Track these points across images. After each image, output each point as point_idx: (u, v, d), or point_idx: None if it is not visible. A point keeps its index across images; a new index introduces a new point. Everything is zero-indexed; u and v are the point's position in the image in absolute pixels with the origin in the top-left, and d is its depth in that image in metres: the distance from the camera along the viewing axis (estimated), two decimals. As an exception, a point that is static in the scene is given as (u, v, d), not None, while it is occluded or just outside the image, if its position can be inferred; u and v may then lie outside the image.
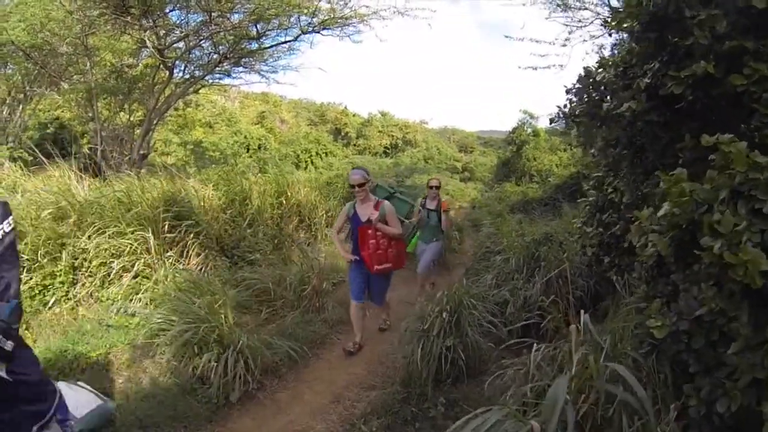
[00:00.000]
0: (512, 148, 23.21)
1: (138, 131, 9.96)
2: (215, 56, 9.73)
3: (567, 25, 9.22)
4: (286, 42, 10.05)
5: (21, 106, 10.44)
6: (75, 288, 4.79)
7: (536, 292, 4.64)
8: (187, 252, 5.50)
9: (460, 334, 3.85)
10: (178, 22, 9.38)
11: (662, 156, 3.00)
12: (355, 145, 33.37)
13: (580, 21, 9.28)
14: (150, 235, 5.15)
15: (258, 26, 9.15)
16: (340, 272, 6.50)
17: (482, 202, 17.95)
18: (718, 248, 1.67)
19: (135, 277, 4.98)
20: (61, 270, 4.75)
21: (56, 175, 5.90)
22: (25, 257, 4.67)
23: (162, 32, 8.95)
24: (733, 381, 1.76)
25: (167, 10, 9.11)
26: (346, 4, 9.10)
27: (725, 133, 1.88)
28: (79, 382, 3.43)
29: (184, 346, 3.84)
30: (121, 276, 4.95)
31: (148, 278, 4.96)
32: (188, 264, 5.40)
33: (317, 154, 27.56)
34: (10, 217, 1.75)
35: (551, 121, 3.84)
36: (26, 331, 4.37)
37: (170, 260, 5.24)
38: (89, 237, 4.99)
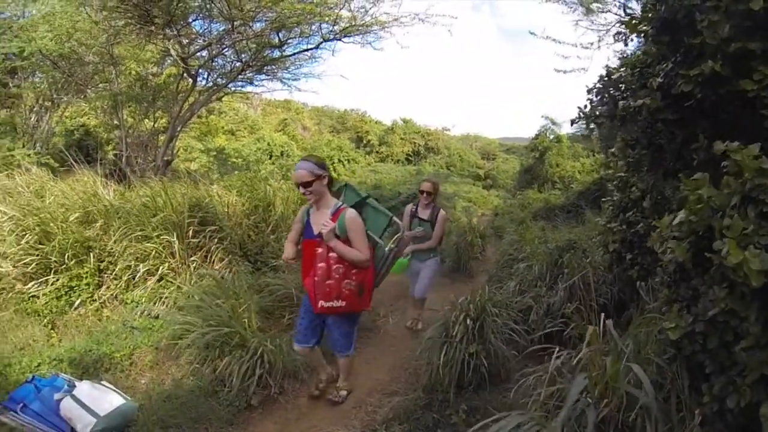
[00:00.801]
0: (535, 154, 22.96)
1: (162, 138, 10.11)
2: (238, 64, 9.84)
3: (592, 30, 9.09)
4: (307, 50, 10.12)
5: (48, 114, 10.68)
6: (100, 290, 4.89)
7: (559, 300, 4.55)
8: (211, 257, 5.52)
9: (483, 340, 3.78)
10: (201, 31, 9.57)
11: (679, 156, 3.04)
12: (377, 152, 33.30)
13: (604, 25, 9.16)
14: (174, 239, 5.20)
15: (280, 34, 9.23)
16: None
17: (505, 209, 17.81)
18: (725, 251, 1.72)
19: (159, 280, 5.03)
20: (87, 272, 4.86)
21: (83, 180, 6.01)
22: (53, 259, 4.80)
23: (185, 41, 9.10)
24: (743, 377, 1.81)
25: (190, 20, 9.30)
26: (367, 11, 9.16)
27: (737, 132, 1.97)
28: (102, 382, 3.47)
29: (206, 348, 3.86)
30: (146, 279, 5.00)
31: (172, 282, 5.00)
32: (211, 268, 5.43)
33: (340, 161, 27.63)
34: None
35: (572, 122, 3.80)
36: (52, 331, 4.47)
37: (194, 264, 5.27)
38: (115, 241, 5.07)
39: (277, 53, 9.88)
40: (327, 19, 9.04)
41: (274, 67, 10.36)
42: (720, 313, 1.87)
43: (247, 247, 6.23)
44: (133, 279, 4.97)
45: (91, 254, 4.95)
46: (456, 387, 3.63)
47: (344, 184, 3.70)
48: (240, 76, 10.13)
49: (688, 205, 1.99)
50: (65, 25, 8.20)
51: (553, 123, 22.69)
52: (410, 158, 33.85)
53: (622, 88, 3.34)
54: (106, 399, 3.27)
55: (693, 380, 2.19)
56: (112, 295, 4.89)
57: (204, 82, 10.42)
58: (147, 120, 10.93)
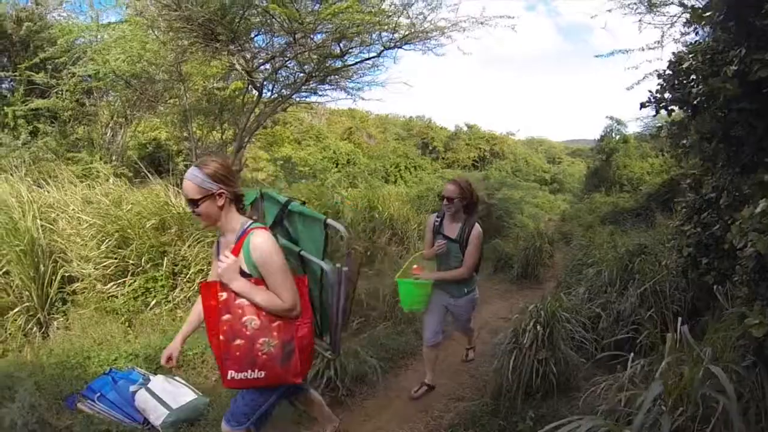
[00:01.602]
0: (601, 156, 22.00)
1: (230, 149, 10.46)
2: (301, 75, 10.01)
3: (656, 26, 8.53)
4: (369, 58, 10.13)
5: (122, 129, 11.33)
6: (174, 292, 5.11)
7: (630, 306, 4.34)
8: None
9: (553, 347, 3.65)
10: (263, 45, 9.83)
11: (759, 149, 2.87)
12: (443, 158, 33.03)
13: (668, 19, 8.60)
14: (246, 244, 5.31)
15: (341, 44, 9.31)
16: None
17: (572, 213, 17.34)
18: None
19: (230, 283, 5.15)
20: (162, 275, 5.10)
21: (156, 190, 6.30)
22: (130, 262, 5.08)
23: (249, 56, 9.38)
24: None
25: (253, 35, 9.58)
26: (426, 18, 9.10)
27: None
28: (176, 377, 3.60)
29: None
30: (218, 282, 5.14)
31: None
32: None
33: (406, 168, 27.74)
34: None
35: (642, 105, 3.62)
36: (129, 328, 4.73)
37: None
38: (189, 246, 5.30)
39: (339, 63, 9.99)
40: (386, 27, 9.06)
41: (337, 76, 10.46)
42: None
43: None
44: (206, 282, 5.13)
45: (166, 258, 5.19)
46: (524, 394, 3.54)
47: (258, 192, 2.64)
48: (304, 87, 10.30)
49: (768, 194, 1.82)
50: (136, 47, 8.73)
51: (619, 123, 21.75)
52: (476, 164, 33.34)
53: (692, 78, 3.22)
54: (179, 393, 3.40)
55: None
56: (185, 297, 5.08)
57: (269, 94, 10.67)
58: (215, 132, 11.38)
